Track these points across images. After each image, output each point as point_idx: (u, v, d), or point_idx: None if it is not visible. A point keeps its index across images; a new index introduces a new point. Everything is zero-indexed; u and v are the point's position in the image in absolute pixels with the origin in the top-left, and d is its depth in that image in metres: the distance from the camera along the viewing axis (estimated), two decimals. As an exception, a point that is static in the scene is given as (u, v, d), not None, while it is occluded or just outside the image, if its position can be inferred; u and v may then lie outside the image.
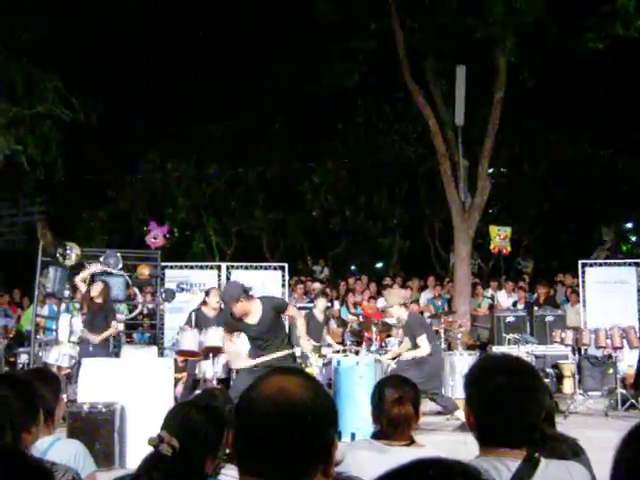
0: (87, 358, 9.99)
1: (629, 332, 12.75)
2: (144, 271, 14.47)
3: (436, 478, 1.35)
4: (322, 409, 1.73)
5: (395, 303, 10.90)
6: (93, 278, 12.94)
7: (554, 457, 2.70)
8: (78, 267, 13.52)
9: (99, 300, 11.94)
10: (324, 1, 16.51)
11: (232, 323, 8.75)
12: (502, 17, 14.75)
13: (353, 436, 7.42)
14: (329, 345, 13.56)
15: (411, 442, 3.67)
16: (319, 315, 13.28)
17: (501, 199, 24.77)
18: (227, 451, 3.19)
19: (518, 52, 15.41)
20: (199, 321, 11.48)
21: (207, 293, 12.23)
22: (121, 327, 13.81)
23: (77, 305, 14.19)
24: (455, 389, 11.95)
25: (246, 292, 8.46)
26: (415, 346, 10.52)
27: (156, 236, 19.35)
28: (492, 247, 19.83)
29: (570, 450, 3.41)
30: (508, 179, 25.15)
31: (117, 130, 23.53)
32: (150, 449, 2.80)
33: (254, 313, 8.49)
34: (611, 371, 13.55)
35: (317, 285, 17.79)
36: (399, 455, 3.04)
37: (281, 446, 1.66)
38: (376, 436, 3.73)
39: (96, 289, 12.00)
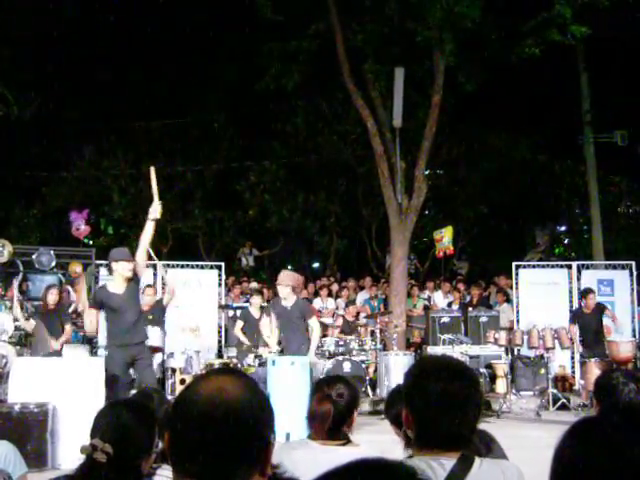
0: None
1: (561, 333, 12.99)
2: (76, 268, 14.30)
3: (372, 478, 1.36)
4: (260, 410, 1.72)
5: (289, 283, 10.91)
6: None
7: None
8: (10, 264, 13.32)
9: (52, 306, 11.97)
10: (265, 1, 16.47)
11: (101, 295, 8.98)
12: (441, 21, 14.89)
13: (288, 436, 7.44)
14: (265, 344, 13.59)
15: (347, 442, 3.70)
16: (255, 312, 13.36)
17: (438, 201, 25.02)
18: (160, 444, 3.16)
19: (457, 56, 15.56)
20: None
21: (143, 291, 12.22)
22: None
23: (8, 303, 13.95)
24: (390, 389, 12.01)
25: None
26: (306, 329, 10.76)
27: (78, 226, 18.97)
28: (437, 252, 19.92)
29: (483, 443, 3.46)
30: (445, 181, 25.39)
31: (52, 126, 23.15)
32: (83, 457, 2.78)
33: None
34: (543, 371, 13.81)
35: (254, 285, 17.78)
36: (334, 455, 3.06)
37: (218, 446, 1.65)
38: (312, 436, 3.76)
39: (52, 299, 12.03)
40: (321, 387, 3.80)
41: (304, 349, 10.74)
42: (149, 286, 13.22)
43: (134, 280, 8.77)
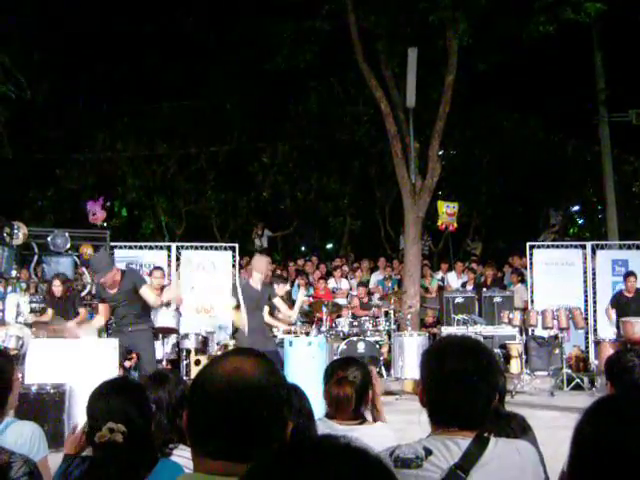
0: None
1: (575, 313, 12.97)
2: (87, 250, 14.37)
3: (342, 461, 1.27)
4: (276, 390, 1.73)
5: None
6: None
7: (504, 434, 2.75)
8: (25, 247, 13.38)
9: (59, 294, 12.11)
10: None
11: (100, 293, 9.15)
12: (454, 0, 14.79)
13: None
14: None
15: (362, 421, 3.78)
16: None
17: (451, 181, 24.94)
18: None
19: (470, 35, 15.45)
20: None
21: (150, 273, 12.39)
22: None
23: (23, 285, 14.04)
24: (404, 369, 12.05)
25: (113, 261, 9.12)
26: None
27: (94, 212, 19.02)
28: (439, 223, 19.89)
29: (519, 427, 3.49)
30: (459, 161, 25.31)
31: (66, 108, 23.16)
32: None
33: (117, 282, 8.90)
34: (557, 351, 13.79)
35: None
36: (356, 434, 3.07)
37: (235, 426, 1.66)
38: (329, 415, 3.82)
39: (58, 289, 12.14)
40: (336, 371, 3.84)
41: None
42: (157, 269, 13.12)
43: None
